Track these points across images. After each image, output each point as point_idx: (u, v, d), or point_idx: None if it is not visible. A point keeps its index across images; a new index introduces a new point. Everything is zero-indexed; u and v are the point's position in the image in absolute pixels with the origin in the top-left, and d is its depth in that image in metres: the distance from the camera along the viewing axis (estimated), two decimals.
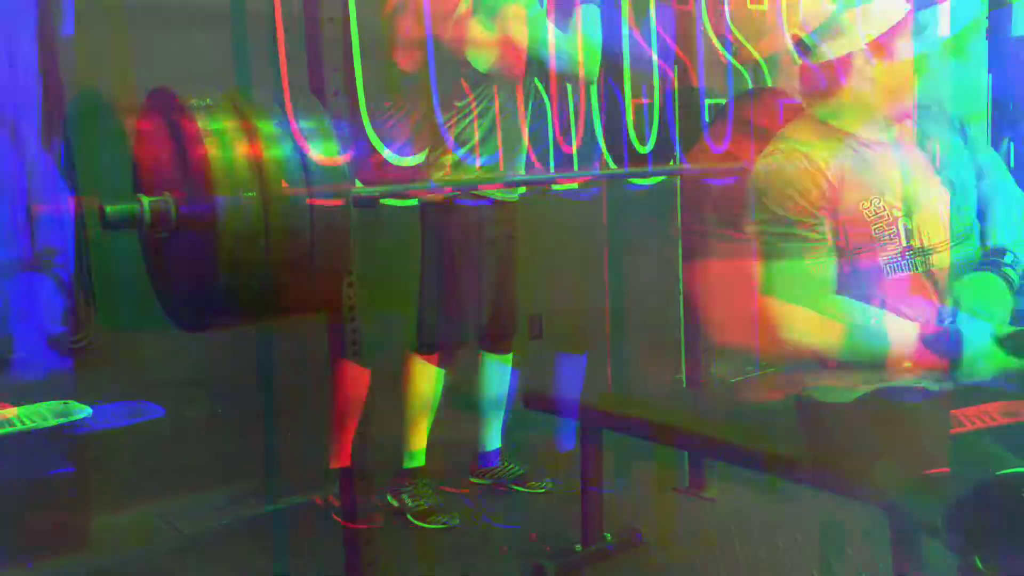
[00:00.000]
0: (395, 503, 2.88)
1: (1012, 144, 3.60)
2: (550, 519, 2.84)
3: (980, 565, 1.44)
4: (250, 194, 1.68)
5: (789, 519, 2.73)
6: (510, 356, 3.04)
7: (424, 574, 2.55)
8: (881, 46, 1.75)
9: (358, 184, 2.84)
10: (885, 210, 1.73)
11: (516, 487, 3.00)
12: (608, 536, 2.59)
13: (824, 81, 1.82)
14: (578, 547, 2.54)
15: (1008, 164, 3.61)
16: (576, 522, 2.70)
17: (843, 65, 1.78)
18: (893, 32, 1.74)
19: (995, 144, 3.65)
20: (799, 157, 1.75)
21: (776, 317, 1.73)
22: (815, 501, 2.72)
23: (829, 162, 1.74)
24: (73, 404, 2.77)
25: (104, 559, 2.69)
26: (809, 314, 1.71)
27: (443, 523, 2.76)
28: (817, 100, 1.85)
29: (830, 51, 1.78)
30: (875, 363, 1.70)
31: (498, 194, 2.80)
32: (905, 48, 1.75)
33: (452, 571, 2.57)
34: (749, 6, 4.66)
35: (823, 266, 1.73)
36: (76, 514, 2.73)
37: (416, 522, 2.80)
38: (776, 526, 2.70)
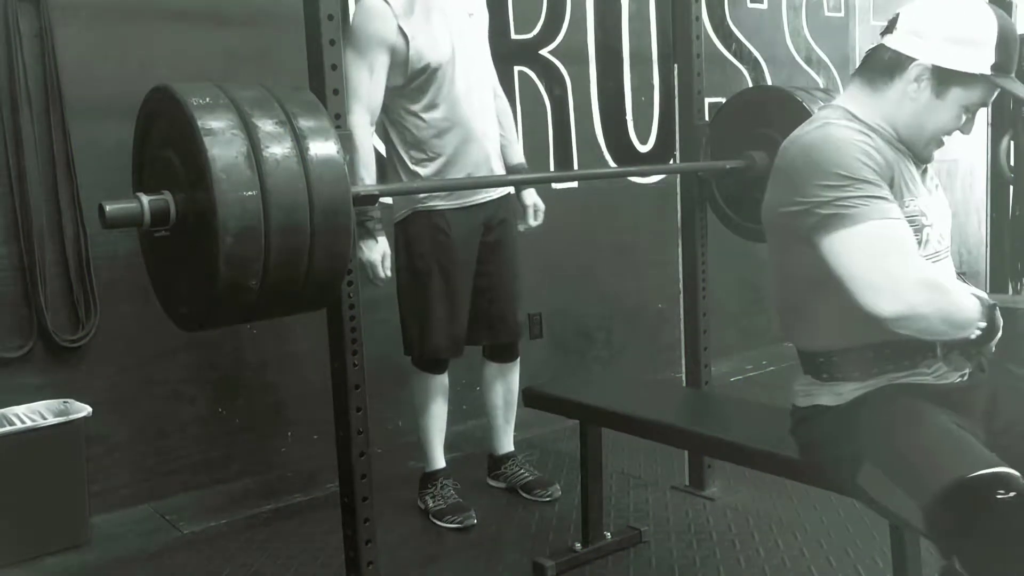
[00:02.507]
0: (421, 506, 2.90)
1: (1012, 143, 3.60)
2: (551, 518, 2.84)
3: (959, 566, 1.42)
4: (250, 192, 1.68)
5: (789, 518, 2.73)
6: (515, 362, 3.01)
7: (423, 572, 2.55)
8: (943, 78, 1.65)
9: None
10: (917, 215, 1.68)
11: (523, 493, 2.99)
12: (608, 535, 2.59)
13: (880, 69, 1.71)
14: (578, 546, 2.54)
15: (1008, 163, 3.62)
16: (576, 521, 2.71)
17: (903, 65, 1.68)
18: (961, 76, 1.64)
19: (995, 144, 3.65)
20: (855, 131, 1.66)
21: (879, 285, 1.55)
22: (815, 500, 2.73)
23: (882, 146, 1.67)
24: (73, 403, 2.77)
25: (104, 557, 2.69)
26: (916, 276, 1.57)
27: (457, 522, 2.77)
28: (859, 92, 1.75)
29: (902, 45, 1.68)
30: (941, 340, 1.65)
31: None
32: (958, 101, 1.66)
33: (452, 569, 2.57)
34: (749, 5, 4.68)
35: (907, 228, 1.61)
36: (76, 512, 2.73)
37: (435, 522, 2.81)
38: (776, 524, 2.70)
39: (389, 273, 2.60)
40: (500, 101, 2.90)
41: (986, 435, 1.63)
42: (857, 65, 1.81)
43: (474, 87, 2.69)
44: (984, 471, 1.43)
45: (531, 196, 2.89)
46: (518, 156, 2.91)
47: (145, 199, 1.75)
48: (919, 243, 1.68)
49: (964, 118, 1.69)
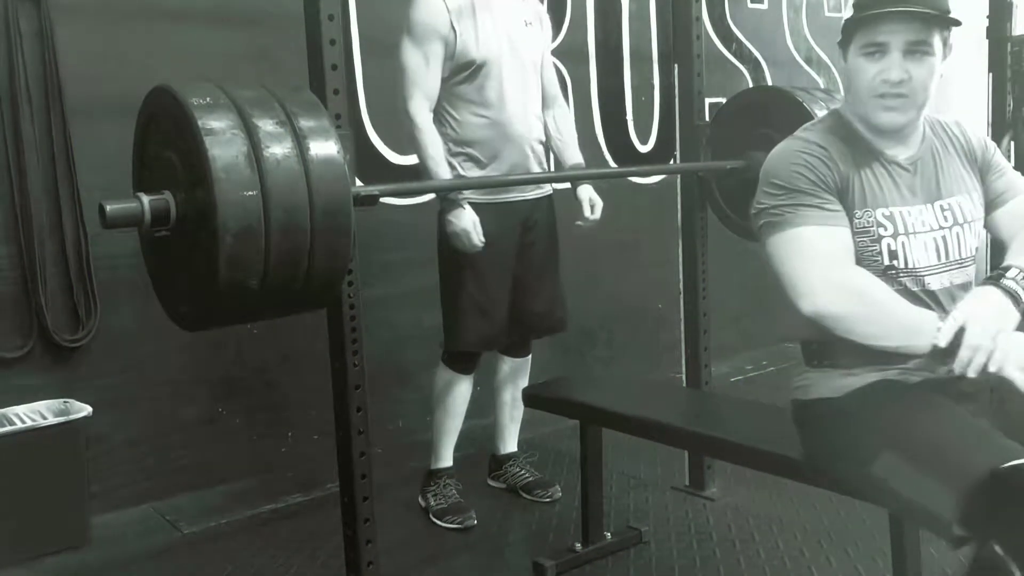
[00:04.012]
0: (422, 503, 2.90)
1: (1012, 143, 3.60)
2: (551, 518, 2.84)
3: (1000, 551, 1.42)
4: (250, 192, 1.68)
5: (789, 518, 2.73)
6: (527, 358, 3.03)
7: (424, 572, 2.54)
8: (844, 45, 1.78)
9: (358, 182, 2.84)
10: (872, 226, 1.72)
11: (524, 494, 2.99)
12: (608, 535, 2.59)
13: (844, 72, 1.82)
14: (578, 546, 2.54)
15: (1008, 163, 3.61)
16: (576, 521, 2.71)
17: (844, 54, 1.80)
18: (846, 35, 1.75)
19: (995, 144, 3.65)
20: (815, 147, 1.75)
21: (796, 286, 1.66)
22: (815, 500, 2.73)
23: (843, 159, 1.74)
24: (73, 403, 2.77)
25: (104, 557, 2.69)
26: (833, 279, 1.64)
27: (457, 523, 2.77)
28: (848, 96, 1.84)
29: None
30: (889, 348, 1.64)
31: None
32: (853, 57, 1.74)
33: (453, 569, 2.57)
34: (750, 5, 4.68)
35: (841, 235, 1.69)
36: (76, 512, 2.73)
37: (435, 521, 2.81)
38: (776, 525, 2.70)
39: (482, 239, 2.63)
40: (560, 109, 2.95)
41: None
42: None
43: (520, 90, 2.73)
44: (1019, 461, 1.44)
45: (586, 191, 2.88)
46: (575, 157, 2.94)
47: (145, 199, 1.75)
48: (879, 255, 1.71)
49: (874, 70, 1.71)
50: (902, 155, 1.79)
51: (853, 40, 1.75)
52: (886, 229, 1.73)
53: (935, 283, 1.75)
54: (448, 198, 2.61)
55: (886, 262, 1.72)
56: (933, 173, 1.80)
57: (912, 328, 1.61)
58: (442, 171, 2.63)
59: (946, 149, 1.85)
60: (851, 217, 1.72)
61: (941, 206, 1.79)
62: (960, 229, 1.79)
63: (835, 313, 1.63)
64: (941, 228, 1.77)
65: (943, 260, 1.76)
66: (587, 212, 2.87)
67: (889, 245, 1.72)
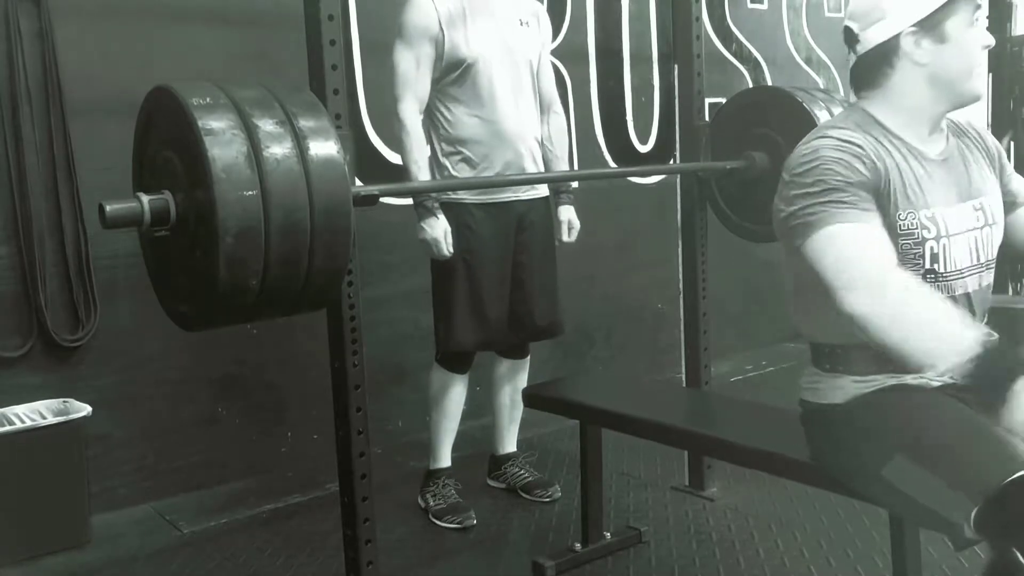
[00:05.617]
0: (422, 503, 2.90)
1: (1012, 143, 3.61)
2: (550, 518, 2.84)
3: (1022, 559, 1.40)
4: (250, 192, 1.68)
5: (788, 518, 2.73)
6: (526, 360, 3.03)
7: (423, 572, 2.55)
8: (932, 27, 1.68)
9: (358, 182, 2.85)
10: (916, 228, 1.68)
11: (523, 494, 2.99)
12: (608, 535, 2.59)
13: (872, 71, 1.74)
14: (578, 546, 2.54)
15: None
16: (576, 521, 2.71)
17: (890, 50, 1.70)
18: (943, 11, 1.66)
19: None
20: (850, 145, 1.67)
21: (839, 285, 1.58)
22: (815, 500, 2.73)
23: (879, 156, 1.68)
24: (73, 403, 2.77)
25: (104, 557, 2.69)
26: (881, 280, 1.57)
27: (457, 523, 2.77)
28: (868, 93, 1.77)
29: (875, 37, 1.71)
30: (922, 359, 1.58)
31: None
32: (960, 31, 1.67)
33: (452, 569, 2.57)
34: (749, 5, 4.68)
35: (881, 235, 1.62)
36: (76, 512, 2.73)
37: (435, 521, 2.81)
38: (775, 525, 2.70)
39: (452, 249, 2.64)
40: (555, 116, 2.93)
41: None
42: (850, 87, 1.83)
43: (511, 89, 2.72)
44: None
45: (566, 212, 2.91)
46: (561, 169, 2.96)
47: (145, 199, 1.75)
48: (921, 258, 1.68)
49: (980, 37, 1.68)
50: (932, 152, 1.75)
51: (957, 11, 1.66)
52: (929, 231, 1.69)
53: (971, 284, 1.73)
54: (423, 205, 2.61)
55: (927, 265, 1.69)
56: (964, 170, 1.78)
57: (954, 347, 1.54)
58: (423, 176, 2.64)
59: (969, 148, 1.82)
60: (894, 219, 1.67)
61: (974, 205, 1.76)
62: (990, 229, 1.77)
63: (880, 315, 1.56)
64: (975, 228, 1.75)
65: (977, 261, 1.74)
66: (564, 235, 2.91)
67: (932, 248, 1.69)
